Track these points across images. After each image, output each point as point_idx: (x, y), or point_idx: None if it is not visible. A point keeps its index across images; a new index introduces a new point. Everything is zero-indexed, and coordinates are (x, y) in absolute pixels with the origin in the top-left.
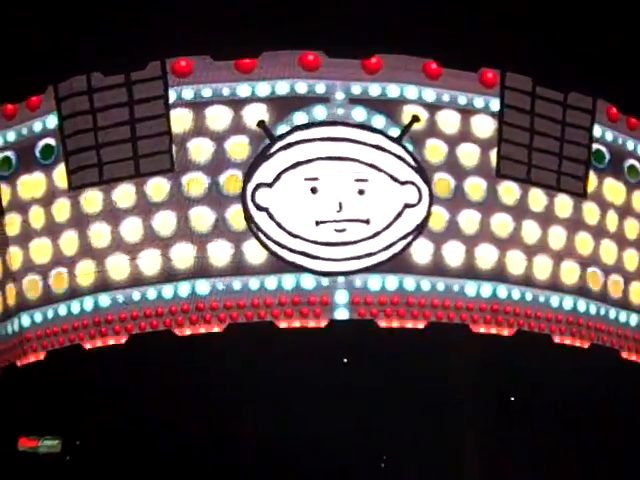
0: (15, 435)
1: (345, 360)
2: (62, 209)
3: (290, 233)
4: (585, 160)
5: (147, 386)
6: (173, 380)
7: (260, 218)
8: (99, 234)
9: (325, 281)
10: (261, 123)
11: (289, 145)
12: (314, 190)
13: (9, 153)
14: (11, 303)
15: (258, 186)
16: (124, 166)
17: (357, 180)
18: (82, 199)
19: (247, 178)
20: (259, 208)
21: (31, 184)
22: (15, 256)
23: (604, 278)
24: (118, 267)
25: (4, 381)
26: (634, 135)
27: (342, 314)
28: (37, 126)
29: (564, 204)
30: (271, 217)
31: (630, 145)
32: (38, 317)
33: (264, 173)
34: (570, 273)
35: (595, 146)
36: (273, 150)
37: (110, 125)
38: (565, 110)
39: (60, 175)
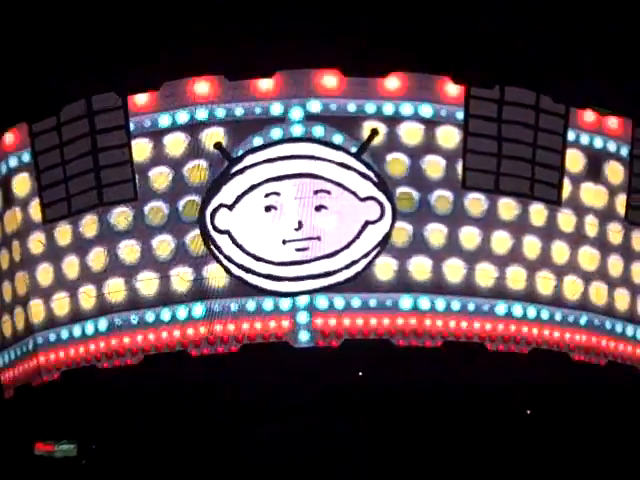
0: (32, 440)
1: (360, 374)
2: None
3: (251, 255)
4: (559, 166)
5: (161, 400)
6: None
7: (221, 241)
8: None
9: (286, 304)
10: (218, 145)
11: (247, 167)
12: (270, 209)
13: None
14: (24, 325)
15: (217, 208)
16: (89, 196)
17: (316, 198)
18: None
19: (206, 201)
20: (219, 231)
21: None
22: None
23: (585, 286)
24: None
25: (23, 390)
26: (616, 136)
27: (304, 336)
28: (12, 161)
29: (538, 212)
30: (232, 239)
31: (612, 147)
32: (52, 338)
33: (224, 195)
34: (545, 284)
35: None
36: (232, 172)
37: (75, 157)
38: (538, 115)
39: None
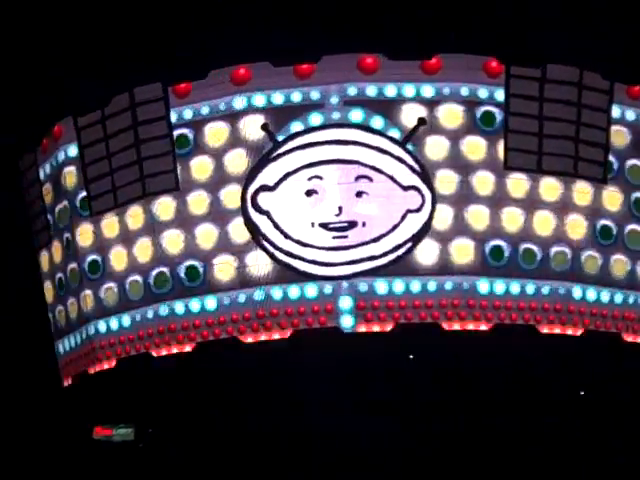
0: (90, 425)
1: (411, 357)
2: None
3: (289, 237)
4: (604, 144)
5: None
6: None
7: (261, 221)
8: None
9: (328, 288)
10: (265, 126)
11: (290, 150)
12: (311, 193)
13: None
14: (77, 315)
15: (259, 189)
16: (133, 188)
17: (358, 184)
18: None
19: (248, 181)
20: (260, 211)
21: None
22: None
23: (633, 265)
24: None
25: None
26: None
27: (347, 320)
28: (61, 155)
29: (583, 191)
30: (272, 220)
31: None
32: (103, 327)
33: (266, 176)
34: (591, 263)
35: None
36: (275, 154)
37: (119, 150)
38: (580, 92)
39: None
